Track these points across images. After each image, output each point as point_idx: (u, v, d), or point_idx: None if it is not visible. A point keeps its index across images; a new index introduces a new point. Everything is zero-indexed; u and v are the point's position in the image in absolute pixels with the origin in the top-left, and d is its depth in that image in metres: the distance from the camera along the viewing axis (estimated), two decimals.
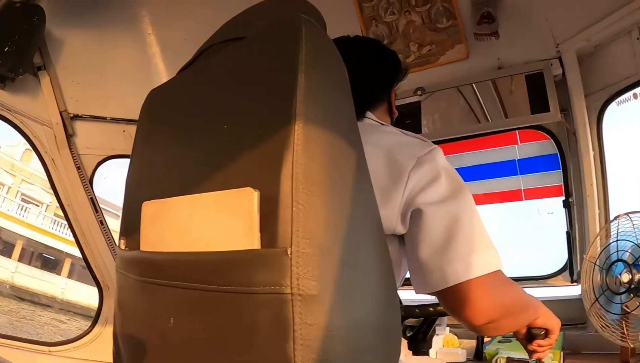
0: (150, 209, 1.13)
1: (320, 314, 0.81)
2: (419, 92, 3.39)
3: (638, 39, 2.84)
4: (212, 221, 0.94)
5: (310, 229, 0.82)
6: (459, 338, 3.19)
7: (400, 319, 1.01)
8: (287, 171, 0.84)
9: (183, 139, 1.13)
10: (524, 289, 1.52)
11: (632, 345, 2.58)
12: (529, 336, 1.67)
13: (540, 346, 1.69)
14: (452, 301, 1.26)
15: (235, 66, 1.13)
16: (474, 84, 3.42)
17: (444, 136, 3.59)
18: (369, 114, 1.64)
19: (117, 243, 1.44)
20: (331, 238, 0.84)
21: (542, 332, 1.66)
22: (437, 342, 3.10)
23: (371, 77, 1.71)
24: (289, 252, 0.81)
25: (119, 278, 1.38)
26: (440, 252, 1.26)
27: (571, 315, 2.99)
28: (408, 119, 3.48)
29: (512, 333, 1.75)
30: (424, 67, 3.41)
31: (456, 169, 3.85)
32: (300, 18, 0.95)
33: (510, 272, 3.62)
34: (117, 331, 1.39)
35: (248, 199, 0.86)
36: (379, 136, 1.49)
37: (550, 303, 3.30)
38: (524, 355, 2.81)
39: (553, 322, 1.67)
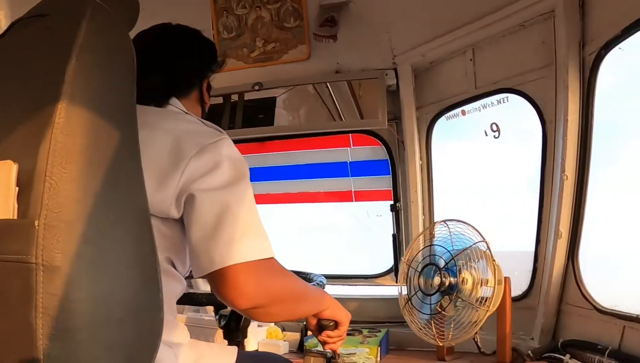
0: None
1: (62, 285, 0.85)
2: (257, 87, 3.46)
3: (471, 60, 3.08)
4: None
5: (59, 203, 0.86)
6: (285, 330, 3.34)
7: (162, 302, 1.06)
8: (45, 147, 0.88)
9: None
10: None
11: (440, 344, 2.82)
12: (319, 327, 1.78)
13: (329, 337, 1.81)
14: (219, 284, 1.32)
15: (28, 42, 1.13)
16: (328, 84, 3.56)
17: (289, 132, 3.74)
18: (174, 101, 1.67)
19: None
20: (78, 214, 0.88)
21: (332, 324, 1.77)
22: (261, 333, 3.23)
23: (181, 64, 1.74)
24: (36, 224, 0.85)
25: None
26: (209, 236, 1.32)
27: (396, 313, 3.13)
28: (261, 113, 3.58)
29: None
30: (266, 63, 3.48)
31: (291, 166, 4.00)
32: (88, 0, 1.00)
33: (340, 270, 3.84)
34: None
35: (7, 171, 0.89)
36: (175, 123, 1.54)
37: (377, 301, 3.55)
38: (342, 348, 2.99)
39: (341, 315, 1.79)
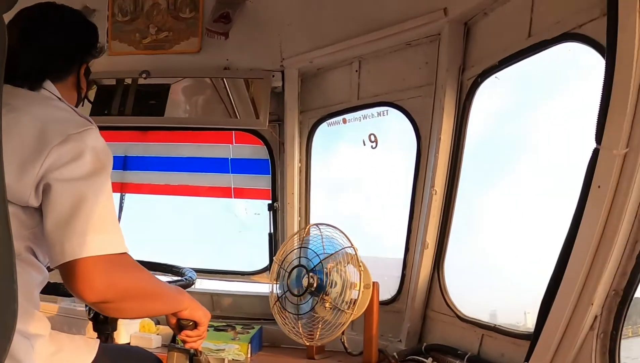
0: None
1: None
2: (144, 75, 3.38)
3: (356, 71, 3.17)
4: None
5: None
6: (159, 324, 3.24)
7: (16, 292, 0.99)
8: None
9: None
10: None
11: (307, 343, 2.88)
12: (179, 326, 1.77)
13: (189, 336, 1.79)
14: (69, 276, 1.31)
15: None
16: (224, 79, 3.49)
17: (170, 124, 3.66)
18: (48, 84, 1.61)
19: None
20: None
21: (191, 323, 1.75)
22: (134, 325, 3.15)
23: (57, 47, 1.67)
24: None
25: None
26: (62, 227, 1.32)
27: (270, 310, 3.15)
28: (154, 99, 3.48)
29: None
30: (157, 51, 3.43)
31: (173, 158, 3.91)
32: None
33: (217, 265, 3.82)
34: None
35: None
36: (44, 109, 1.49)
37: (253, 298, 3.58)
38: (212, 343, 2.98)
39: (200, 315, 1.72)
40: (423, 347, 2.84)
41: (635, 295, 1.90)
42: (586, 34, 2.01)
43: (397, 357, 2.82)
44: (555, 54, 2.22)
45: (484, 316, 2.64)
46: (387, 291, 3.10)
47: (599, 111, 1.80)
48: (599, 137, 1.80)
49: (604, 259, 1.84)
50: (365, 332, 2.87)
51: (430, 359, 2.75)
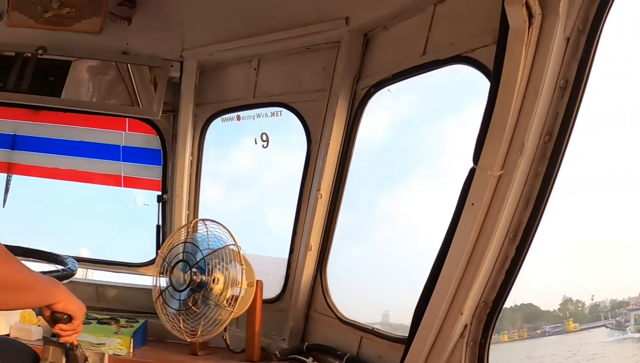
0: None
1: None
2: (40, 51, 3.21)
3: (255, 69, 3.17)
4: None
5: None
6: (40, 315, 3.09)
7: None
8: None
9: None
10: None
11: (188, 339, 2.83)
12: (53, 319, 1.71)
13: (63, 330, 1.73)
14: None
15: None
16: (128, 65, 3.41)
17: (68, 106, 3.49)
18: None
19: None
20: None
21: (65, 317, 1.70)
22: (14, 316, 2.99)
23: None
24: None
25: None
26: None
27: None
28: (53, 76, 3.32)
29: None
30: (57, 27, 3.28)
31: (63, 141, 3.74)
32: None
33: (104, 255, 3.71)
34: None
35: None
36: None
37: (139, 291, 3.49)
38: (94, 337, 2.89)
39: (74, 308, 1.71)
40: (305, 347, 2.88)
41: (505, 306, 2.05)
42: (477, 59, 2.12)
43: (279, 355, 2.86)
44: (459, 74, 2.31)
45: (376, 317, 2.72)
46: (272, 290, 3.11)
47: (479, 132, 1.91)
48: (476, 157, 1.92)
49: (474, 272, 1.96)
50: (247, 330, 2.88)
51: (310, 359, 2.79)
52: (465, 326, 2.09)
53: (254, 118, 3.19)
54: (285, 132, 3.15)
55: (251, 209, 3.40)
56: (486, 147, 1.88)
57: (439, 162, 2.49)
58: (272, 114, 3.11)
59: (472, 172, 1.94)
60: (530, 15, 1.78)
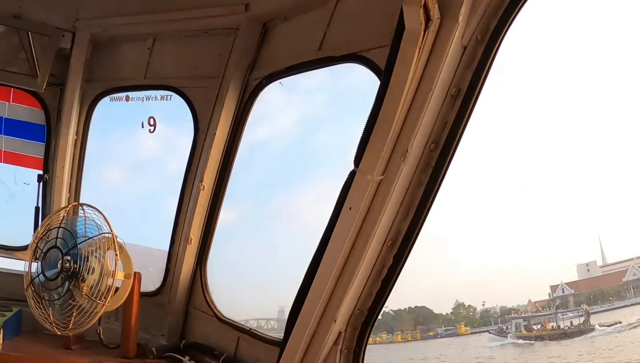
0: None
1: None
2: None
3: (149, 48, 2.97)
4: None
5: None
6: None
7: None
8: None
9: None
10: None
11: (58, 332, 2.60)
12: None
13: None
14: None
15: None
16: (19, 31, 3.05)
17: None
18: None
19: None
20: None
21: None
22: None
23: None
24: None
25: None
26: None
27: None
28: None
29: None
30: None
31: None
32: None
33: None
34: None
35: None
36: None
37: (15, 276, 3.10)
38: None
39: None
40: (182, 344, 2.77)
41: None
42: (371, 59, 2.05)
43: (155, 352, 2.71)
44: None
45: (272, 312, 2.62)
46: (153, 283, 2.95)
47: (362, 134, 1.83)
48: (357, 160, 1.83)
49: (349, 278, 1.89)
50: (123, 324, 2.70)
51: (187, 357, 2.67)
52: (340, 333, 2.02)
53: (143, 100, 3.00)
54: (174, 118, 2.98)
55: (136, 197, 3.22)
56: (368, 150, 1.80)
57: (339, 162, 2.41)
58: (162, 98, 2.93)
59: (352, 175, 1.85)
60: (428, 19, 1.71)
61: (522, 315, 30.18)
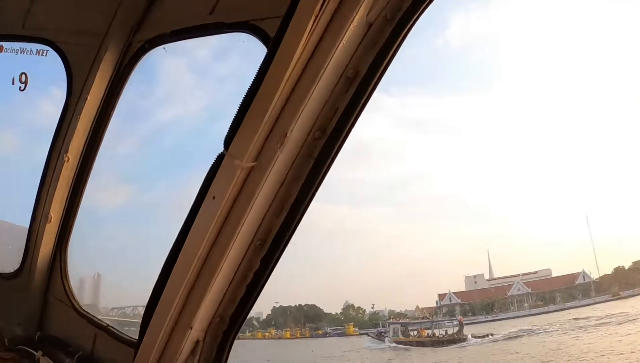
0: None
1: None
2: None
3: None
4: None
5: None
6: None
7: None
8: None
9: None
10: None
11: None
12: None
13: None
14: None
15: None
16: None
17: None
18: None
19: None
20: None
21: None
22: None
23: None
24: None
25: None
26: None
27: None
28: None
29: None
30: None
31: None
32: None
33: None
34: None
35: None
36: None
37: None
38: None
39: None
40: (37, 337, 2.43)
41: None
42: (264, 29, 1.74)
43: (7, 343, 2.40)
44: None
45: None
46: (11, 263, 2.58)
47: (237, 113, 1.52)
48: (228, 141, 1.52)
49: (208, 280, 1.58)
50: None
51: (40, 352, 2.33)
52: (197, 342, 1.72)
53: (17, 52, 2.58)
54: (49, 77, 2.59)
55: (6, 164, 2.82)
56: (241, 131, 1.50)
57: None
58: (38, 52, 2.53)
59: (219, 158, 1.55)
60: None
61: (400, 321, 31.64)
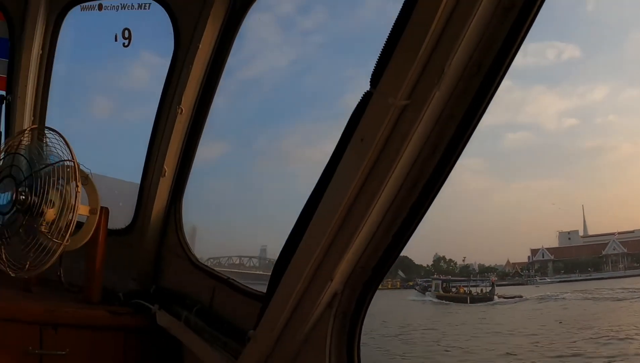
0: None
1: None
2: None
3: None
4: None
5: None
6: None
7: None
8: None
9: None
10: None
11: (12, 274, 2.14)
12: None
13: None
14: None
15: None
16: None
17: None
18: None
19: None
20: None
21: None
22: None
23: None
24: None
25: None
26: None
27: None
28: None
29: None
30: None
31: None
32: None
33: None
34: None
35: None
36: None
37: None
38: None
39: None
40: (152, 290, 2.32)
41: None
42: None
43: (122, 297, 2.29)
44: None
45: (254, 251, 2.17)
46: (122, 220, 2.48)
47: (384, 45, 1.29)
48: (375, 78, 1.30)
49: (353, 230, 1.39)
50: (87, 265, 2.26)
51: (157, 306, 2.22)
52: (335, 294, 1.55)
53: (117, 9, 2.41)
54: (152, 31, 2.41)
55: (110, 123, 2.68)
56: (391, 66, 1.27)
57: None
58: (140, 7, 2.34)
59: (366, 97, 1.33)
60: None
61: (442, 277, 31.98)
